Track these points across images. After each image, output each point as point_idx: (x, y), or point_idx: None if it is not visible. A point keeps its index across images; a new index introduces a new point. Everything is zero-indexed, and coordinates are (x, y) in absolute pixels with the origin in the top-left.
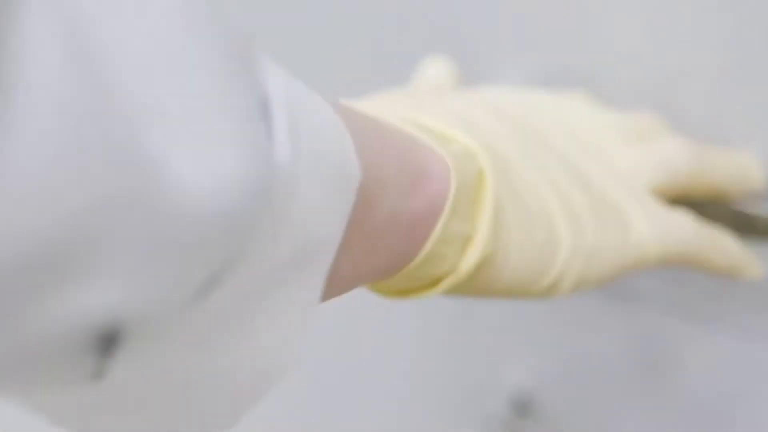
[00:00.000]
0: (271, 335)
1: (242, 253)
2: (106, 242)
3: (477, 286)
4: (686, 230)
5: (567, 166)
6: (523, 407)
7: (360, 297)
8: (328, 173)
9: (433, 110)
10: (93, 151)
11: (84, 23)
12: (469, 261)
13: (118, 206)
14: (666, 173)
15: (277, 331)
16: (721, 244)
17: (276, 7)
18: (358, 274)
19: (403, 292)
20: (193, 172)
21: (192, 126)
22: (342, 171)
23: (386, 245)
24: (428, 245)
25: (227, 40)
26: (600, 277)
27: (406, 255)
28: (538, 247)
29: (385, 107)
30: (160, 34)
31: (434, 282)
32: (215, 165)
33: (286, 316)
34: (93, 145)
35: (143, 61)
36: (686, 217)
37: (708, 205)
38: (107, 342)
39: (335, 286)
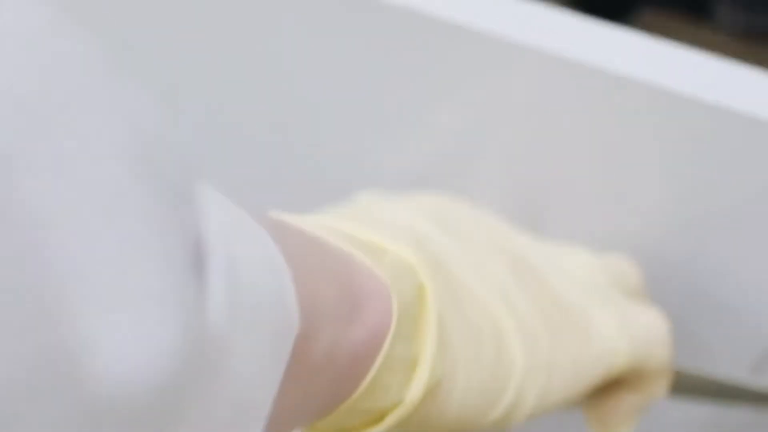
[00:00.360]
0: None
1: (174, 423)
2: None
3: (425, 418)
4: (655, 331)
5: (517, 273)
6: None
7: None
8: (265, 324)
9: (371, 221)
10: (9, 325)
11: (9, 169)
12: (415, 388)
13: (35, 387)
14: (620, 274)
15: None
16: (668, 372)
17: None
18: (294, 417)
19: (344, 431)
20: (115, 347)
21: (115, 295)
22: (280, 320)
23: (324, 382)
24: (370, 375)
25: (163, 181)
26: (566, 393)
27: (346, 389)
28: (489, 366)
29: (320, 218)
30: (90, 190)
31: (378, 417)
32: (140, 337)
33: None
34: (9, 317)
35: (69, 222)
36: (657, 316)
37: None
38: None
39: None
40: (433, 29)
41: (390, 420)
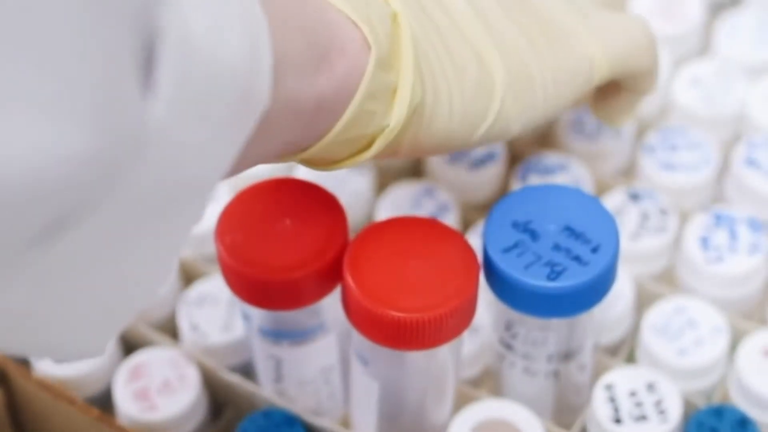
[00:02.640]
0: (139, 266)
1: (94, 200)
2: None
3: (414, 139)
4: (633, 36)
5: None
6: None
7: None
8: (224, 105)
9: None
10: None
11: None
12: (398, 110)
13: None
14: None
15: (146, 262)
16: (657, 67)
17: None
18: (252, 158)
19: (336, 162)
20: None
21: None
22: (246, 97)
23: (284, 128)
24: (351, 107)
25: None
26: (550, 104)
27: (315, 130)
28: (471, 87)
29: None
30: None
31: (368, 144)
32: (30, 137)
33: (158, 245)
34: None
35: None
36: (636, 24)
37: None
38: None
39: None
40: None
41: (379, 143)
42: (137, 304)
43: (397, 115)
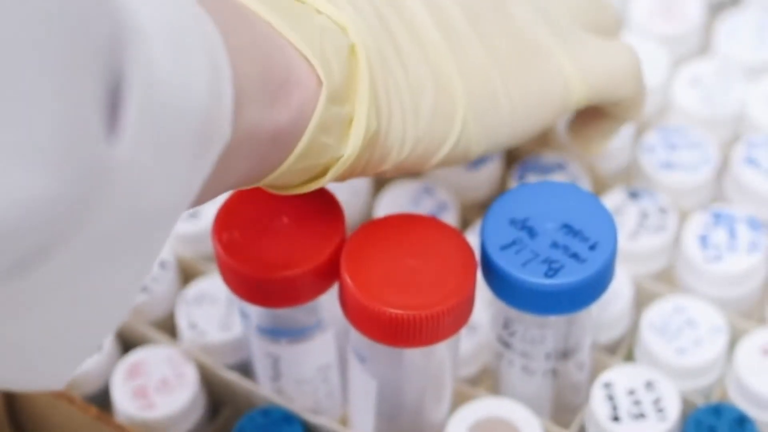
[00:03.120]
0: (104, 300)
1: (59, 239)
2: None
3: (368, 166)
4: (619, 64)
5: (471, 11)
6: None
7: None
8: (187, 140)
9: None
10: None
11: None
12: (352, 143)
13: None
14: (595, 11)
15: (110, 295)
16: (643, 97)
17: None
18: (212, 189)
19: (289, 188)
20: None
21: None
22: (209, 133)
23: (243, 158)
24: (303, 142)
25: (70, 32)
26: (518, 125)
27: (271, 161)
28: (428, 115)
29: None
30: None
31: (322, 172)
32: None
33: (123, 277)
34: None
35: None
36: (622, 50)
37: None
38: None
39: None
40: None
41: (334, 172)
42: (101, 336)
43: (351, 146)
